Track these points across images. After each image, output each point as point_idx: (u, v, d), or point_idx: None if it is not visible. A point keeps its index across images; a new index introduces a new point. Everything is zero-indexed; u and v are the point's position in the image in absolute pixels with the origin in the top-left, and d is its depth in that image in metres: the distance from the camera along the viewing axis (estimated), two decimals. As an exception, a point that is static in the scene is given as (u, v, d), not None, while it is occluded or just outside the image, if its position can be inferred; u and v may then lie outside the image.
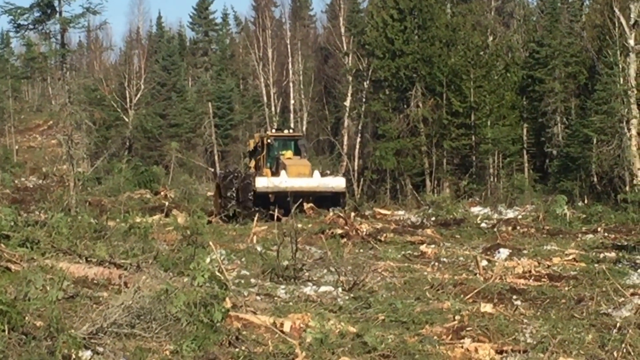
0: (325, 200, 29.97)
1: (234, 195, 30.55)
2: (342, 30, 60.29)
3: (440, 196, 38.38)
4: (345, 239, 21.17)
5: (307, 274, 14.89)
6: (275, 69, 66.24)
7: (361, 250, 19.26)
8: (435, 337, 10.07)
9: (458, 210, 30.41)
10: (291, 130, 37.79)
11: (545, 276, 15.31)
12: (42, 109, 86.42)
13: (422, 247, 19.87)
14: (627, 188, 36.21)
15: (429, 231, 23.76)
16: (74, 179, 26.48)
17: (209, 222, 23.78)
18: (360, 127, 55.17)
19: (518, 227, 24.06)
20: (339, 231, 22.56)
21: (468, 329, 10.48)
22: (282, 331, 9.89)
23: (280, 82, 66.84)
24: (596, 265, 16.29)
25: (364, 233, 22.63)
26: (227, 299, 10.17)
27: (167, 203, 34.55)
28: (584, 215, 28.17)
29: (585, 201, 36.50)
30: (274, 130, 36.06)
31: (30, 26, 27.06)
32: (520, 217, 27.79)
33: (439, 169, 48.50)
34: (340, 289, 13.51)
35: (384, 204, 41.82)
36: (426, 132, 49.17)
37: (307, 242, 20.05)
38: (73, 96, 27.09)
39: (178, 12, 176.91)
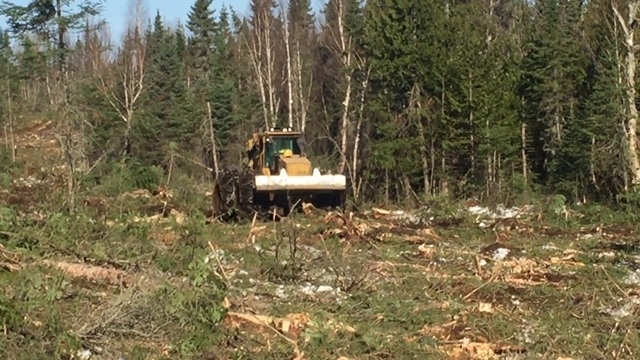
0: (325, 198, 29.96)
1: (234, 199, 30.50)
2: (341, 30, 60.27)
3: (439, 196, 38.39)
4: (343, 239, 21.19)
5: (305, 273, 14.90)
6: (274, 69, 66.22)
7: (360, 250, 19.26)
8: (433, 337, 10.07)
9: (457, 210, 30.42)
10: (290, 129, 37.78)
11: (544, 276, 15.31)
12: (40, 109, 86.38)
13: (421, 247, 19.87)
14: (626, 188, 36.17)
15: (427, 231, 23.76)
16: (72, 179, 26.48)
17: (208, 222, 23.77)
18: (358, 127, 55.19)
19: (517, 227, 24.06)
20: (338, 231, 22.56)
21: (467, 328, 10.48)
22: (280, 331, 9.90)
23: (278, 81, 66.80)
24: (595, 265, 16.29)
25: (363, 233, 22.61)
26: (225, 299, 10.17)
27: (165, 203, 34.52)
28: (583, 215, 28.17)
29: (584, 201, 36.48)
30: (272, 129, 36.05)
31: (29, 26, 27.04)
32: (518, 216, 27.80)
33: (437, 168, 48.53)
34: (338, 289, 13.51)
35: (382, 203, 41.85)
36: (425, 132, 49.20)
37: (306, 241, 20.03)
38: (72, 96, 27.07)
39: (176, 11, 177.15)
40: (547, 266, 16.62)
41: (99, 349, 8.53)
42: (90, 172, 41.83)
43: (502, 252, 18.40)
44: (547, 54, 48.82)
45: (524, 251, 18.86)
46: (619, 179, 39.59)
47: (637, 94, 36.80)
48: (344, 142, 56.44)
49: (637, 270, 15.72)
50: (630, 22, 36.22)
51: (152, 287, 10.13)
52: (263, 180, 29.62)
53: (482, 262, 16.57)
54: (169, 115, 65.59)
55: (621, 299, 12.20)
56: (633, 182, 35.20)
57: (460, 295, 12.94)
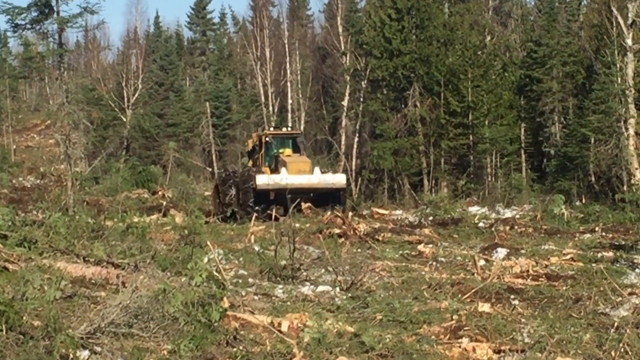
0: (325, 197, 29.91)
1: (234, 200, 30.47)
2: (340, 29, 60.25)
3: (438, 196, 38.37)
4: (343, 239, 21.18)
5: (304, 273, 14.89)
6: (273, 69, 66.20)
7: (359, 250, 19.25)
8: (432, 337, 10.06)
9: (456, 209, 30.41)
10: (289, 128, 37.75)
11: (543, 276, 15.31)
12: (39, 109, 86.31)
13: (420, 247, 19.87)
14: (625, 187, 36.19)
15: (426, 231, 23.76)
16: (71, 179, 26.46)
17: (207, 222, 23.76)
18: (357, 127, 55.19)
19: (516, 227, 24.06)
20: (337, 231, 22.54)
21: (466, 328, 10.48)
22: (279, 331, 9.89)
23: (277, 81, 66.78)
24: (594, 264, 16.29)
25: (362, 233, 22.60)
26: (224, 299, 10.17)
27: (164, 203, 34.52)
28: (582, 215, 28.19)
29: (583, 201, 36.53)
30: (272, 129, 36.02)
31: (28, 26, 27.01)
32: (518, 216, 27.80)
33: (436, 168, 48.54)
34: (338, 289, 13.50)
35: (381, 203, 41.86)
36: (424, 132, 49.21)
37: (305, 241, 20.01)
38: (71, 96, 27.05)
39: (176, 11, 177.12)
40: (546, 266, 16.62)
41: (98, 348, 8.52)
42: (90, 172, 41.86)
43: (501, 252, 18.40)
44: (546, 54, 48.84)
45: (523, 251, 18.85)
46: (618, 179, 39.61)
47: (636, 93, 36.85)
48: (343, 142, 56.43)
49: (636, 270, 15.72)
50: (630, 22, 36.26)
51: (151, 287, 10.13)
52: (263, 179, 29.56)
53: (481, 262, 16.57)
54: (168, 115, 65.59)
55: (620, 298, 12.20)
56: (632, 181, 35.24)
57: (460, 295, 12.94)
